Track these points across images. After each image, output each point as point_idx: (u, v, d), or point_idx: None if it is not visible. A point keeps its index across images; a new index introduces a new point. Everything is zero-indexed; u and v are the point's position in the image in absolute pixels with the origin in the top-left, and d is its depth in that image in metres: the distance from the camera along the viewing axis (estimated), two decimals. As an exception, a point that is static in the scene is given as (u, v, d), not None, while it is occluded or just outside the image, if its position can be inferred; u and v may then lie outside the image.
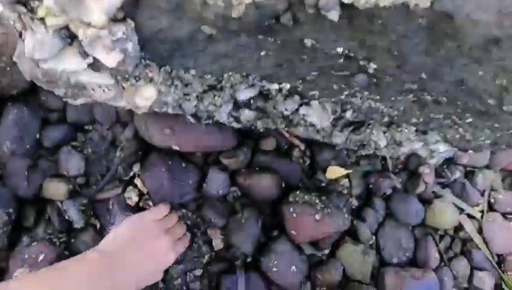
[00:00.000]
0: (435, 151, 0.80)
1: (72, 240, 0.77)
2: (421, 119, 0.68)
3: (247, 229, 0.84)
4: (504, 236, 1.00)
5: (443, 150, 0.79)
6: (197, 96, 0.55)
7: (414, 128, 0.75)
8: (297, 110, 0.64)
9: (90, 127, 0.83)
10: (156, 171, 0.78)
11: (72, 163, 0.78)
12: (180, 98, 0.54)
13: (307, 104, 0.63)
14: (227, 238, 0.85)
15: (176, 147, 0.78)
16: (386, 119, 0.71)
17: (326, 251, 0.91)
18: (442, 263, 0.98)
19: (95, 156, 0.83)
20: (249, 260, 0.86)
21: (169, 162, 0.79)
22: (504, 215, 1.04)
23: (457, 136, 0.71)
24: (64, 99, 0.55)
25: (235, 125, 0.72)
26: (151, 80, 0.50)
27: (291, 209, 0.83)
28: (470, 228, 1.00)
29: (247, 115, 0.67)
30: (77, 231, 0.78)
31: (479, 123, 0.60)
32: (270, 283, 0.85)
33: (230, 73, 0.51)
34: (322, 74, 0.51)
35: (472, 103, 0.51)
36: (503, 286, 0.98)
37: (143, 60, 0.48)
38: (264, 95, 0.58)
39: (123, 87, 0.51)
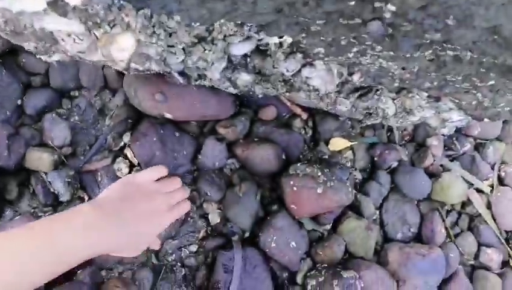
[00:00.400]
0: (447, 120, 0.75)
1: (59, 214, 0.73)
2: (435, 83, 0.62)
3: (245, 203, 0.79)
4: (514, 212, 0.96)
5: (456, 118, 0.74)
6: (183, 49, 0.48)
7: (426, 94, 0.69)
8: (299, 71, 0.58)
9: (77, 93, 0.78)
10: (147, 140, 0.73)
11: (57, 132, 0.73)
12: (164, 50, 0.48)
13: (311, 64, 0.57)
14: (224, 213, 0.81)
15: (168, 115, 0.73)
16: (396, 84, 0.65)
17: (328, 226, 0.87)
18: (448, 239, 0.94)
19: (83, 124, 0.77)
20: (246, 235, 0.82)
21: (161, 131, 0.74)
22: (514, 190, 0.99)
23: (474, 102, 0.66)
24: (37, 56, 0.49)
25: (232, 90, 0.66)
26: (128, 26, 0.43)
27: (292, 183, 0.78)
28: (478, 202, 0.96)
29: (244, 78, 0.61)
30: (63, 204, 0.73)
31: (502, 86, 0.55)
32: (268, 260, 0.81)
33: (222, 21, 0.44)
34: (329, 22, 0.44)
35: (502, 58, 0.45)
36: (511, 262, 0.94)
37: (116, 0, 0.41)
38: (261, 51, 0.52)
39: (96, 37, 0.45)
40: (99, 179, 0.74)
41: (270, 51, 0.51)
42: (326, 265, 0.82)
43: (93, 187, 0.74)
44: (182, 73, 0.53)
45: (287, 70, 0.56)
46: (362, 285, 0.78)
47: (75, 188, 0.72)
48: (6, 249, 0.45)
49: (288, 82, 0.62)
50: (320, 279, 0.79)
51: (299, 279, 0.82)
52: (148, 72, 0.53)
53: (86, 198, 0.74)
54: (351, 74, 0.63)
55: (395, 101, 0.73)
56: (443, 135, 0.90)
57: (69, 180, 0.71)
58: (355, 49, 0.51)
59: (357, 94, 0.70)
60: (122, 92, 0.77)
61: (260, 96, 0.68)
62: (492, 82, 0.54)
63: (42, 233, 0.48)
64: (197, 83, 0.57)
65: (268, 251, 0.79)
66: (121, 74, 0.76)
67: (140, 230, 0.60)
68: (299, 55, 0.53)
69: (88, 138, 0.77)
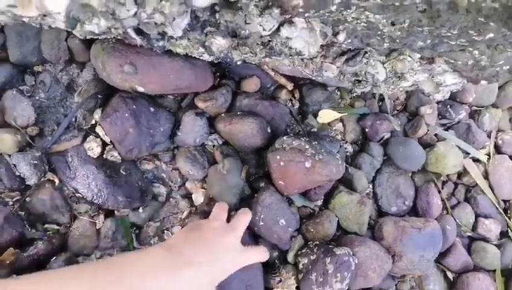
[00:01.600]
0: (442, 85, 0.70)
1: (28, 199, 0.67)
2: (429, 42, 0.57)
3: (230, 181, 0.75)
4: (511, 180, 0.92)
5: (451, 82, 0.69)
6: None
7: (419, 55, 0.64)
8: (278, 31, 0.52)
9: (40, 68, 0.71)
10: (118, 117, 0.67)
11: (20, 110, 0.67)
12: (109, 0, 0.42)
13: (290, 22, 0.51)
14: (208, 192, 0.76)
15: (140, 88, 0.67)
16: (386, 44, 0.60)
17: (319, 202, 0.83)
18: (445, 211, 0.90)
19: (49, 102, 0.71)
20: (232, 214, 0.77)
21: (134, 107, 0.68)
22: (511, 157, 0.95)
23: (470, 62, 0.61)
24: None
25: (207, 57, 0.60)
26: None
27: (278, 157, 0.73)
28: (475, 172, 0.92)
29: (219, 42, 0.55)
30: (32, 189, 0.68)
31: (502, 40, 0.49)
32: (256, 239, 0.76)
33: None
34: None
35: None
36: (510, 233, 0.91)
37: None
38: (231, 3, 0.46)
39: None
40: (70, 160, 0.68)
41: (241, 2, 0.45)
42: (318, 242, 0.78)
43: (64, 169, 0.68)
44: (138, 31, 0.47)
45: (264, 30, 0.50)
46: (356, 261, 0.74)
47: (43, 171, 0.67)
48: (84, 280, 0.45)
49: (268, 45, 0.56)
50: (313, 257, 0.75)
51: (290, 258, 0.78)
52: (107, 37, 0.48)
53: (56, 181, 0.68)
54: (336, 34, 0.57)
55: (385, 65, 0.67)
56: (437, 101, 0.86)
57: (36, 162, 0.66)
58: (337, 0, 0.45)
59: (344, 58, 0.64)
60: (91, 65, 0.71)
61: (239, 63, 0.62)
62: (491, 35, 0.49)
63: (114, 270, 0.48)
64: (160, 44, 0.51)
65: (257, 230, 0.75)
66: (87, 46, 0.70)
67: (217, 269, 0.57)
68: (276, 11, 0.47)
69: (55, 116, 0.71)
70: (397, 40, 0.58)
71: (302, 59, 0.65)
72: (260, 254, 0.67)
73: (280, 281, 0.74)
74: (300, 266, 0.75)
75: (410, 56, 0.64)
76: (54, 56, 0.69)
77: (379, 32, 0.57)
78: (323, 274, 0.72)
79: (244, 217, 0.68)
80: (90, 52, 0.68)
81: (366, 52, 0.64)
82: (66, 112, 0.72)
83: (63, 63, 0.72)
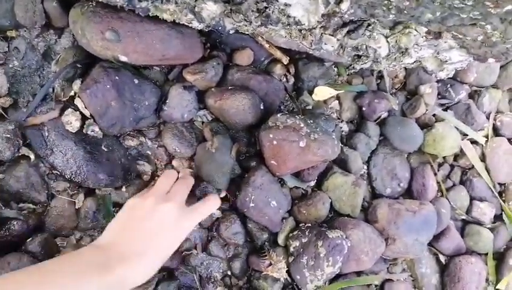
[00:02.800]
0: (446, 62, 0.66)
1: (1, 176, 0.62)
2: (438, 14, 0.52)
3: (219, 160, 0.71)
4: (509, 163, 0.90)
5: (456, 59, 0.65)
6: None
7: (425, 29, 0.59)
8: (276, -4, 0.47)
9: (14, 34, 0.65)
10: (99, 89, 0.62)
11: (-9, 79, 0.61)
12: None
13: (290, -14, 0.46)
14: (196, 171, 0.72)
15: (123, 58, 0.61)
16: (391, 16, 0.55)
17: (312, 183, 0.80)
18: (440, 194, 0.88)
19: (24, 70, 0.65)
20: (222, 195, 0.73)
21: (117, 78, 0.62)
22: (510, 140, 0.93)
23: (480, 37, 0.56)
24: None
25: (196, 24, 0.55)
26: None
27: (271, 136, 0.69)
28: (471, 154, 0.89)
29: (210, 8, 0.50)
30: (6, 165, 0.63)
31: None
32: (246, 221, 0.73)
33: None
34: None
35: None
36: (504, 216, 0.89)
37: None
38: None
39: None
40: (46, 134, 0.63)
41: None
42: (310, 225, 0.75)
43: (40, 144, 0.63)
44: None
45: (261, -6, 0.45)
46: (349, 245, 0.72)
47: (17, 146, 0.62)
48: None
49: (264, 12, 0.51)
50: (304, 240, 0.72)
51: (280, 240, 0.75)
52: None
53: (32, 157, 0.63)
54: (339, 3, 0.52)
55: (388, 39, 0.63)
56: (440, 79, 0.82)
57: (9, 136, 0.61)
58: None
59: (345, 30, 0.59)
60: (69, 31, 0.65)
61: (231, 32, 0.57)
62: (509, 7, 0.45)
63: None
64: (143, 5, 0.46)
65: (247, 212, 0.71)
66: (66, 10, 0.63)
67: (152, 256, 0.54)
68: (275, -28, 0.42)
69: (31, 86, 0.65)
70: (404, 11, 0.53)
71: (300, 30, 0.60)
72: (209, 205, 0.63)
73: (270, 264, 0.71)
74: (291, 249, 0.73)
75: (416, 30, 0.59)
76: (28, 20, 0.63)
77: (385, 2, 0.52)
78: (314, 258, 0.70)
79: (209, 205, 0.64)
80: (68, 16, 0.62)
81: (369, 25, 0.59)
82: (42, 82, 0.66)
83: (39, 28, 0.66)
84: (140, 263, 0.51)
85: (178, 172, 0.69)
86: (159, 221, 0.55)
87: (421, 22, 0.56)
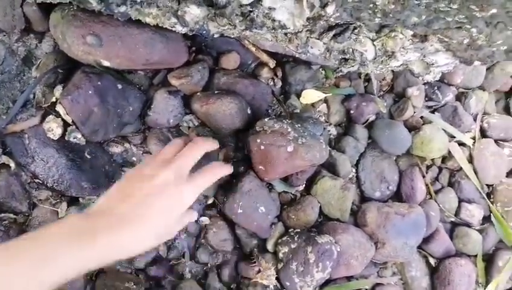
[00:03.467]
0: (433, 65, 0.65)
1: (-20, 186, 0.61)
2: (424, 17, 0.52)
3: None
4: (496, 164, 0.90)
5: (443, 62, 0.65)
6: None
7: (411, 32, 0.59)
8: (259, 0, 0.46)
9: (-8, 39, 0.63)
10: (80, 95, 0.60)
11: (-32, 86, 0.59)
12: None
13: (274, -10, 0.45)
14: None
15: (105, 62, 0.60)
16: (377, 19, 0.55)
17: (301, 187, 0.79)
18: (429, 196, 0.87)
19: (3, 76, 0.63)
20: (209, 202, 0.72)
21: (99, 83, 0.61)
22: (497, 141, 0.93)
23: (466, 41, 0.56)
24: None
25: (180, 29, 0.54)
26: None
27: (259, 141, 0.68)
28: (459, 156, 0.89)
29: (194, 11, 0.49)
30: (-15, 173, 0.61)
31: (504, 17, 0.45)
32: (234, 227, 0.72)
33: None
34: None
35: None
36: (492, 218, 0.90)
37: None
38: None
39: None
40: (27, 142, 0.61)
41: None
42: (299, 230, 0.74)
43: (21, 152, 0.61)
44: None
45: (244, -3, 0.44)
46: (339, 250, 0.71)
47: (-4, 154, 0.60)
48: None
49: (248, 16, 0.50)
50: (293, 245, 0.71)
51: (269, 246, 0.74)
52: (65, 2, 0.41)
53: (12, 165, 0.62)
54: (324, 6, 0.51)
55: (374, 43, 0.62)
56: (426, 82, 0.81)
57: (-12, 144, 0.59)
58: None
59: (331, 33, 0.59)
60: (50, 36, 0.64)
61: (216, 36, 0.56)
62: (494, 10, 0.45)
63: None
64: (121, 10, 0.45)
65: (235, 218, 0.70)
66: (46, 14, 0.62)
67: (153, 212, 0.48)
68: (258, -25, 0.41)
69: (11, 92, 0.63)
70: (390, 15, 0.53)
71: (286, 34, 0.59)
72: (213, 171, 0.58)
73: (259, 271, 0.70)
74: (280, 255, 0.72)
75: (402, 33, 0.59)
76: (7, 24, 0.61)
77: (371, 6, 0.51)
78: (304, 263, 0.69)
79: (213, 171, 0.58)
80: (49, 20, 0.61)
81: (355, 28, 0.58)
82: (22, 88, 0.64)
83: (18, 33, 0.64)
84: (132, 228, 0.46)
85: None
86: (156, 187, 0.50)
87: (407, 25, 0.56)
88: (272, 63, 0.76)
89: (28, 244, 0.41)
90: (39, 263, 0.39)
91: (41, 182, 0.62)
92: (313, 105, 0.83)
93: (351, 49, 0.64)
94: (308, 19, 0.52)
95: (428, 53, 0.64)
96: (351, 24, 0.58)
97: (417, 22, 0.54)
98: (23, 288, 0.38)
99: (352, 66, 0.70)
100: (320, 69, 0.84)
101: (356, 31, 0.59)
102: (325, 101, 0.84)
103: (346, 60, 0.69)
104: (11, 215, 0.62)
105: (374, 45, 0.62)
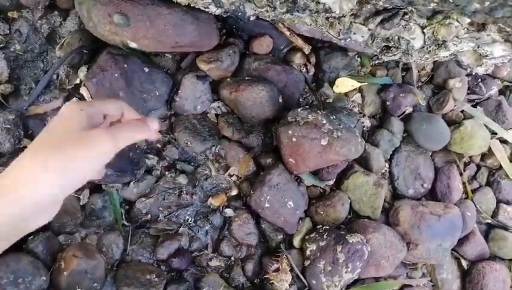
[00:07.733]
0: (487, 56, 0.60)
1: (1, 169, 0.58)
2: (487, 3, 0.46)
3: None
4: (540, 165, 0.84)
5: (499, 54, 0.59)
6: None
7: (468, 20, 0.53)
8: (308, -20, 0.42)
9: (16, 15, 0.60)
10: (106, 77, 0.57)
11: (-10, 64, 0.57)
12: None
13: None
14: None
15: (133, 44, 0.56)
16: (432, 4, 0.49)
17: (331, 182, 0.75)
18: (464, 195, 0.82)
19: (26, 55, 0.61)
20: (233, 193, 0.69)
21: (126, 66, 0.58)
22: (542, 140, 0.87)
23: (531, 31, 0.50)
24: None
25: (214, 9, 0.49)
26: None
27: (291, 132, 0.64)
28: (501, 154, 0.84)
29: (231, -9, 0.44)
30: (6, 157, 0.58)
31: None
32: (260, 221, 0.69)
33: None
34: None
35: None
36: (533, 221, 0.84)
37: None
38: None
39: None
40: (50, 125, 0.59)
41: None
42: (328, 227, 0.71)
43: (43, 135, 0.59)
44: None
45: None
46: (369, 250, 0.67)
47: (18, 137, 0.58)
48: None
49: (291, -3, 0.45)
50: (322, 243, 0.68)
51: (296, 242, 0.71)
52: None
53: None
54: (375, -12, 0.46)
55: (425, 30, 0.57)
56: (470, 74, 0.75)
57: (9, 126, 0.56)
58: None
59: (378, 19, 0.53)
60: (75, 13, 0.60)
61: (252, 18, 0.51)
62: None
63: None
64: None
65: (261, 212, 0.67)
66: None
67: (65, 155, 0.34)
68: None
69: (34, 72, 0.61)
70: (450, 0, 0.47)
71: (328, 18, 0.54)
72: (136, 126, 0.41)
73: (278, 269, 0.66)
74: (308, 253, 0.68)
75: (457, 20, 0.53)
76: (31, 0, 0.58)
77: (429, -12, 0.46)
78: (332, 263, 0.66)
79: (133, 128, 0.41)
80: (74, -2, 0.57)
81: (405, 13, 0.53)
82: (46, 68, 0.61)
83: (42, 10, 0.61)
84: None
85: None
86: (60, 128, 0.36)
87: (465, 12, 0.50)
88: (307, 49, 0.71)
89: None
90: None
91: (63, 167, 0.60)
92: (346, 94, 0.79)
93: (396, 37, 0.59)
94: (358, 2, 0.47)
95: (483, 43, 0.58)
96: (401, 9, 0.53)
97: (478, 8, 0.48)
98: None
99: (395, 55, 0.65)
100: (356, 56, 0.79)
101: (406, 16, 0.54)
102: (360, 90, 0.79)
103: (388, 47, 0.64)
104: (33, 200, 0.60)
105: (423, 32, 0.57)
